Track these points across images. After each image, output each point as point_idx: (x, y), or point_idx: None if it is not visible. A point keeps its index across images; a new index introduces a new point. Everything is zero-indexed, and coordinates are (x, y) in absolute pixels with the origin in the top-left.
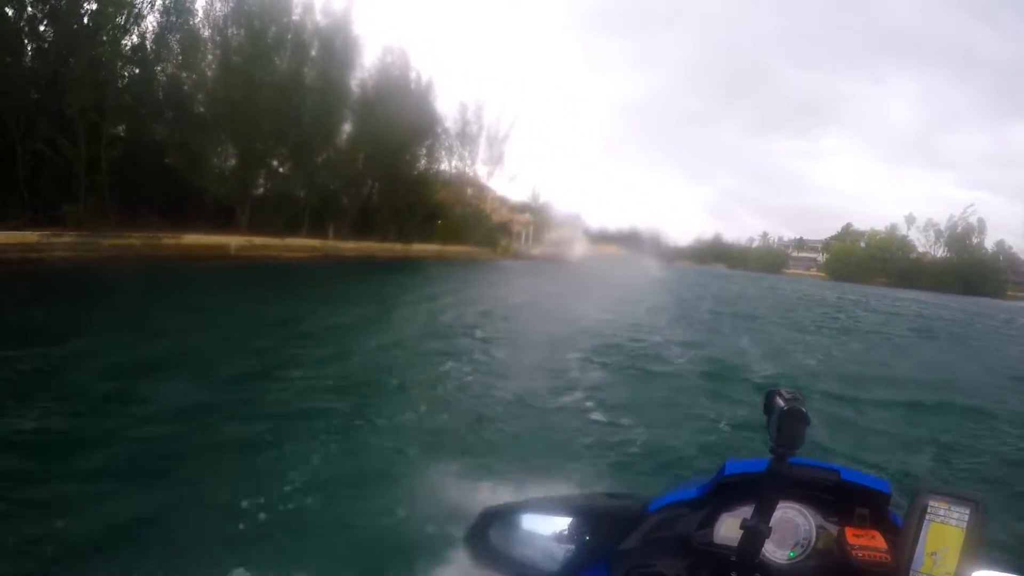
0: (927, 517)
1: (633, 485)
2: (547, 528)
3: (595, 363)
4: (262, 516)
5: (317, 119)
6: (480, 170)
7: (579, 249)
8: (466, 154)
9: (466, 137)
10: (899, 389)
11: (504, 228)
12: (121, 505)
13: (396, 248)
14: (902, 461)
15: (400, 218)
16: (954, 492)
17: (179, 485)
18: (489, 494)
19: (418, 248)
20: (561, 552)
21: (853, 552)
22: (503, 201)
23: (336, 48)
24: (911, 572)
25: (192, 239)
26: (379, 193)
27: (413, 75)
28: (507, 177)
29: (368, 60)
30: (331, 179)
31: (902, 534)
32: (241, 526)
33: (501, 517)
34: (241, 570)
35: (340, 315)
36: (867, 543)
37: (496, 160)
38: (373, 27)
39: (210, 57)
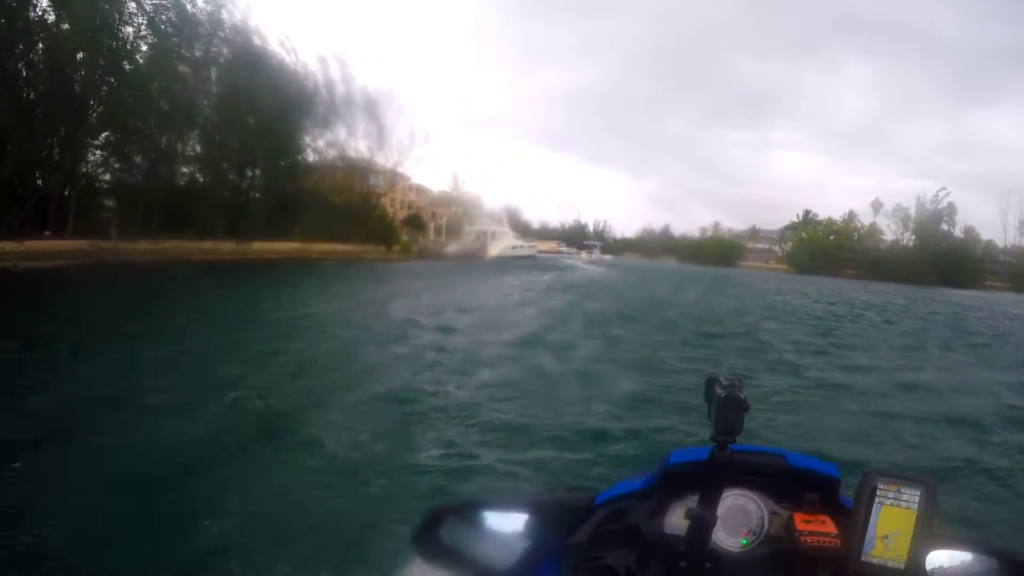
0: (877, 500)
1: (580, 480)
2: (497, 525)
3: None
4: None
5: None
6: (360, 147)
7: (500, 245)
8: (341, 128)
9: (335, 106)
10: None
11: (416, 222)
12: None
13: (224, 248)
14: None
15: (234, 209)
16: (904, 475)
17: None
18: (438, 493)
19: (262, 248)
20: (511, 549)
21: (801, 538)
22: (419, 191)
23: None
24: (863, 555)
25: None
26: (199, 176)
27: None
28: (393, 158)
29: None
30: (112, 158)
31: (852, 518)
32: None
33: (450, 515)
34: None
35: None
36: (816, 528)
37: (378, 134)
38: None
39: None
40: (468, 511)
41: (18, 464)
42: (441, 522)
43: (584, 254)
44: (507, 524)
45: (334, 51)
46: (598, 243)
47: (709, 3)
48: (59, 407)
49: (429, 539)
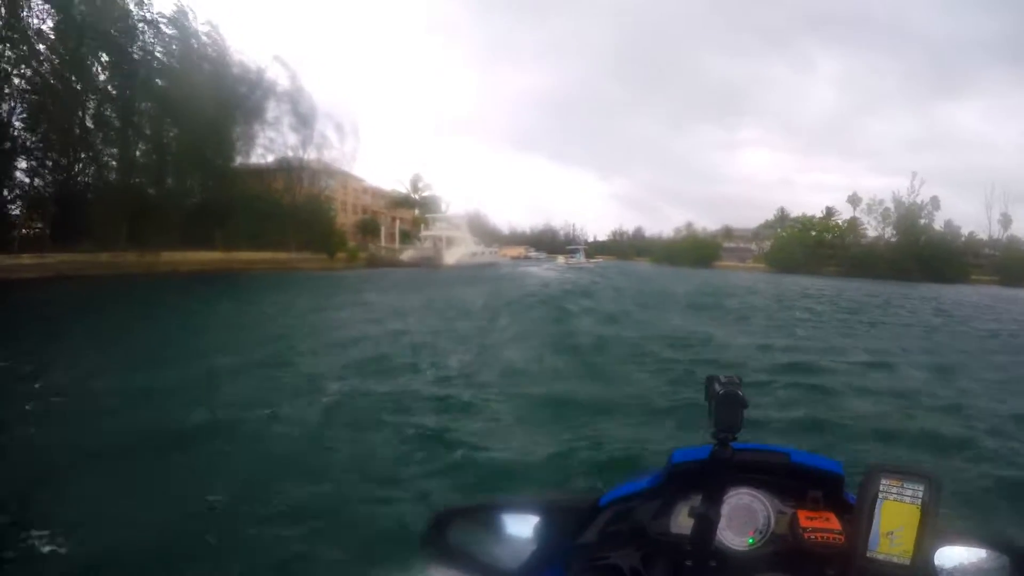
0: (880, 496)
1: (583, 483)
2: (503, 527)
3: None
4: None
5: None
6: (290, 142)
7: (458, 252)
8: (269, 125)
9: (269, 103)
10: None
11: (369, 226)
12: None
13: (126, 260)
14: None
15: (141, 215)
16: (907, 469)
17: None
18: (445, 497)
19: (173, 259)
20: (518, 551)
21: (805, 535)
22: (375, 194)
23: None
24: (868, 552)
25: None
26: (96, 179)
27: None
28: (332, 156)
29: None
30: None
31: (855, 515)
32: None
33: (459, 517)
34: None
35: None
36: (820, 525)
37: (305, 127)
38: None
39: None
40: (476, 514)
41: None
42: (449, 525)
43: (562, 259)
44: (514, 526)
45: (267, 42)
46: (581, 247)
47: (675, 1)
48: None
49: (438, 541)
